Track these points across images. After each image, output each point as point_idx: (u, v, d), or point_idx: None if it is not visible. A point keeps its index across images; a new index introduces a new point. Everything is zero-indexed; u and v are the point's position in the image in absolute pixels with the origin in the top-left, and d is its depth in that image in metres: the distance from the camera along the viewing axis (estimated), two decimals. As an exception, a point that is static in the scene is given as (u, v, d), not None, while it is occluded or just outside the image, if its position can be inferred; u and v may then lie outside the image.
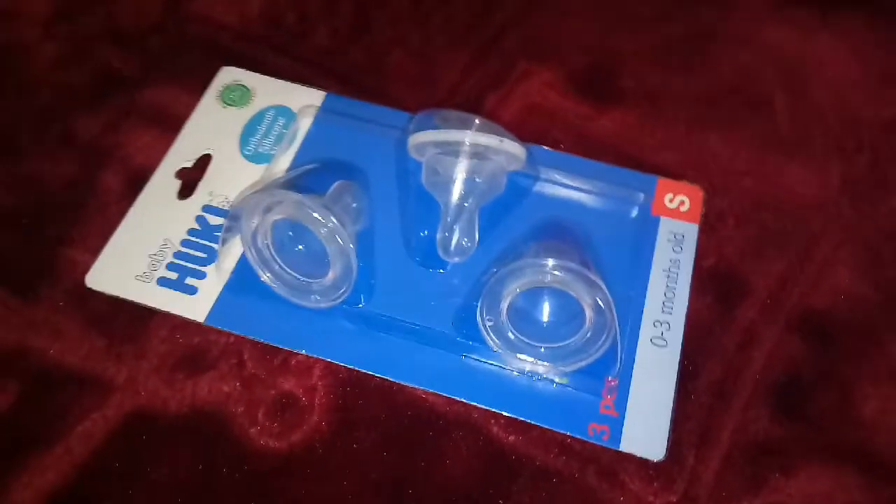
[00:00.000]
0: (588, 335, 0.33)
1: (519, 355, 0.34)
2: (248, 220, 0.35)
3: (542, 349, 0.34)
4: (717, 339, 0.37)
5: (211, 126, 0.42)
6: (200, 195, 0.40)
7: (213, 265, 0.38)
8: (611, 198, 0.40)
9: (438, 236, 0.38)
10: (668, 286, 0.38)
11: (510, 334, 0.34)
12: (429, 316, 0.36)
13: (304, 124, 0.43)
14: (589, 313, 0.33)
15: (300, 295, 0.36)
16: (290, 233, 0.36)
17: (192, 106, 0.43)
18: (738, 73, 0.47)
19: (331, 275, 0.35)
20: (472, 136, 0.37)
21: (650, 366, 0.35)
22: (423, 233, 0.38)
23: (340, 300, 0.35)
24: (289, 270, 0.36)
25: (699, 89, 0.46)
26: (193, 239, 0.39)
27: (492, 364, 0.35)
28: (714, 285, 0.39)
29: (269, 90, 0.44)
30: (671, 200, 0.40)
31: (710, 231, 0.40)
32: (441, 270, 0.38)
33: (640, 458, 0.33)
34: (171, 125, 0.43)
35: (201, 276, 0.38)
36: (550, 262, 0.33)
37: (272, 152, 0.41)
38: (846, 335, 0.37)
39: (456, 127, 0.37)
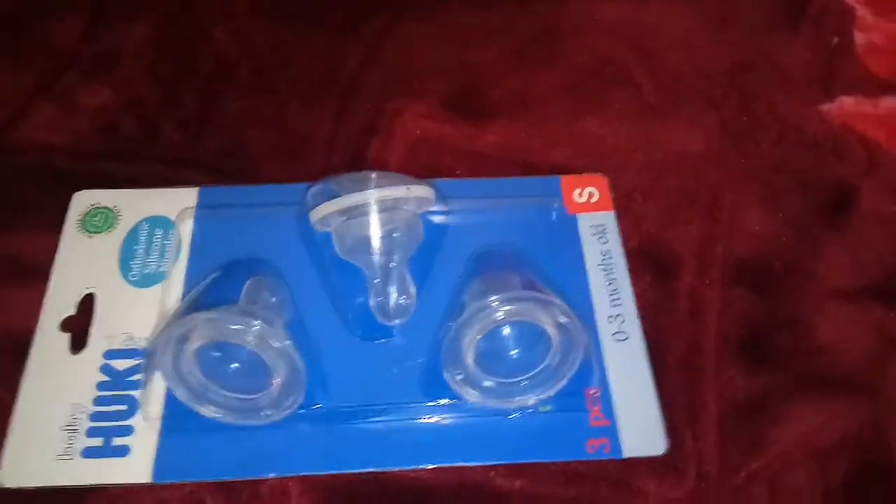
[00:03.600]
0: (558, 354, 0.32)
1: (502, 400, 0.33)
2: (165, 357, 0.31)
3: (522, 383, 0.33)
4: (668, 314, 0.37)
5: (82, 261, 0.38)
6: (97, 342, 0.35)
7: (138, 415, 0.33)
8: (525, 211, 0.40)
9: (372, 303, 0.35)
10: (607, 279, 0.38)
11: (486, 383, 0.32)
12: (391, 390, 0.34)
13: (185, 228, 0.39)
14: (552, 332, 0.32)
15: (248, 415, 0.32)
16: (216, 353, 0.33)
17: (53, 246, 0.38)
18: (592, 56, 0.48)
19: (276, 381, 0.32)
20: (376, 194, 0.35)
21: (621, 363, 0.35)
22: (359, 300, 0.36)
23: (296, 405, 0.32)
24: (228, 394, 0.32)
25: (562, 81, 0.47)
26: (106, 393, 0.34)
27: (469, 416, 0.33)
28: (647, 264, 0.39)
29: (133, 204, 0.40)
30: (580, 195, 0.40)
31: (624, 213, 0.40)
32: (383, 340, 0.36)
33: (646, 458, 0.33)
34: (35, 275, 0.38)
35: (129, 431, 0.33)
36: (493, 299, 0.31)
37: (161, 269, 0.37)
38: (777, 272, 0.39)
39: (355, 189, 0.35)
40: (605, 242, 0.39)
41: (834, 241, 0.40)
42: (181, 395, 0.32)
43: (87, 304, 0.36)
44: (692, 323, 0.37)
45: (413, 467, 0.33)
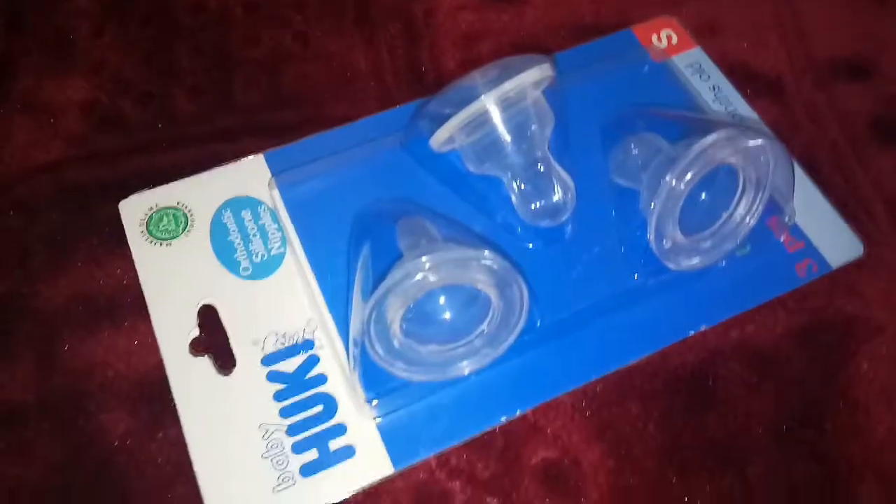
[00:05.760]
0: (752, 175, 0.30)
1: (713, 254, 0.31)
2: (375, 348, 0.27)
3: (728, 224, 0.31)
4: (794, 126, 0.37)
5: (175, 273, 0.31)
6: (245, 353, 0.30)
7: (341, 410, 0.28)
8: (617, 71, 0.37)
9: (526, 209, 0.32)
10: (728, 111, 0.36)
11: (704, 244, 0.30)
12: (589, 286, 0.31)
13: (275, 198, 0.33)
14: (735, 161, 0.30)
15: (472, 358, 0.29)
16: (410, 314, 0.28)
17: (125, 270, 0.32)
18: None
19: (495, 302, 0.28)
20: (493, 94, 0.30)
21: (784, 185, 0.34)
22: (537, 205, 0.31)
23: (518, 328, 0.28)
24: (440, 348, 0.28)
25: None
26: (290, 401, 0.29)
27: (679, 285, 0.31)
28: (750, 88, 0.38)
29: (198, 193, 0.33)
30: (659, 41, 0.38)
31: (705, 47, 0.39)
32: (554, 242, 0.32)
33: (852, 263, 0.32)
34: (121, 308, 0.31)
35: (341, 430, 0.28)
36: (675, 174, 0.28)
37: (274, 252, 0.32)
38: (866, 59, 0.39)
39: (468, 95, 0.31)
40: (707, 79, 0.37)
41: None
42: (407, 375, 0.27)
43: (207, 317, 0.30)
44: (818, 128, 0.37)
45: (653, 351, 0.30)
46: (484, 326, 0.28)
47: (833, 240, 0.33)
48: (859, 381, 0.30)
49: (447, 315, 0.29)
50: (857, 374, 0.30)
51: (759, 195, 0.31)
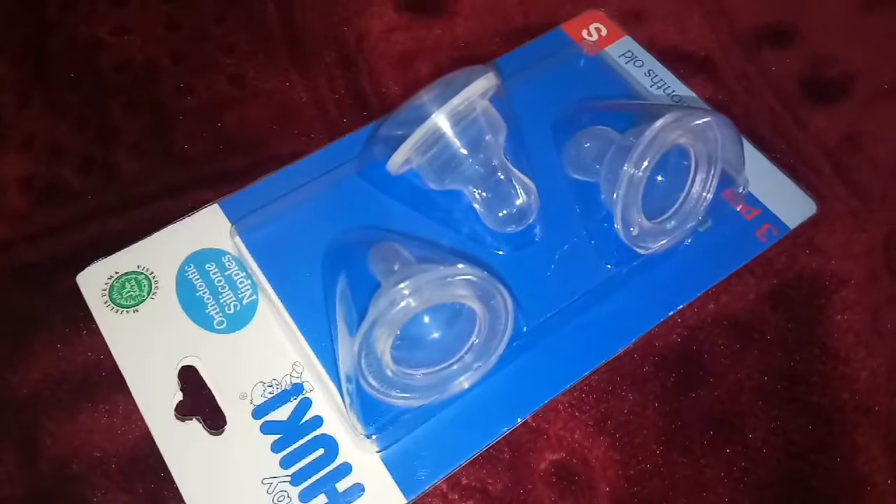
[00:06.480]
0: (702, 153, 0.31)
1: (678, 233, 0.32)
2: (368, 382, 0.26)
3: (689, 202, 0.32)
4: (731, 98, 0.38)
5: (145, 340, 0.30)
6: (236, 407, 0.29)
7: (343, 449, 0.28)
8: (552, 70, 0.37)
9: (500, 216, 0.32)
10: (667, 93, 0.37)
11: (668, 225, 0.31)
12: (579, 275, 0.32)
13: (239, 246, 0.32)
14: (685, 141, 0.31)
15: (466, 374, 0.28)
16: (398, 341, 0.28)
17: (92, 346, 0.30)
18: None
19: (480, 314, 0.28)
20: (444, 111, 0.30)
21: (731, 157, 0.35)
22: (503, 212, 0.32)
23: (506, 336, 0.28)
24: (433, 370, 0.28)
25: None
26: (290, 449, 0.28)
27: (652, 266, 0.32)
28: (683, 68, 0.39)
29: (157, 253, 0.32)
30: (589, 35, 0.39)
31: (633, 35, 0.40)
32: (526, 245, 0.33)
33: (808, 221, 0.33)
34: (96, 385, 0.30)
35: (347, 470, 0.28)
36: (630, 164, 0.29)
37: (246, 301, 0.31)
38: (784, 25, 0.40)
39: (418, 115, 0.31)
40: (641, 65, 0.38)
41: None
42: (404, 403, 0.27)
43: (188, 378, 0.29)
44: (753, 97, 0.38)
45: (637, 337, 0.31)
46: (473, 339, 0.28)
47: (787, 202, 0.34)
48: (835, 331, 0.31)
49: (435, 335, 0.29)
50: (832, 325, 0.32)
51: (712, 170, 0.32)
